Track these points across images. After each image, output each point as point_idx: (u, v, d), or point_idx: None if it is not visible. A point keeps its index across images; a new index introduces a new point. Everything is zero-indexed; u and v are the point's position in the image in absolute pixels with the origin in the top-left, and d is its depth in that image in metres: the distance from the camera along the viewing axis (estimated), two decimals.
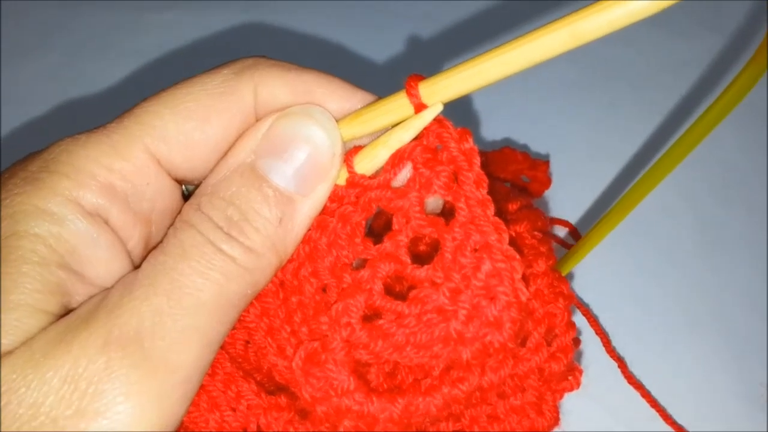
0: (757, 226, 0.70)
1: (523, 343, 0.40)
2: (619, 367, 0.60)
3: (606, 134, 0.76)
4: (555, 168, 0.70)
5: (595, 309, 0.65)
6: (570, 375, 0.41)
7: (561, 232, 0.69)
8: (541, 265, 0.41)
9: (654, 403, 0.59)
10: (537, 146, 0.75)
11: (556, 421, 0.41)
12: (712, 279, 0.67)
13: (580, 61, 0.81)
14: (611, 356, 0.61)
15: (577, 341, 0.47)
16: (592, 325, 0.61)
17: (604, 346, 0.61)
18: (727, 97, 0.34)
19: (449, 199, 0.35)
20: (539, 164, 0.67)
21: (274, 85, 0.36)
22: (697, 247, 0.69)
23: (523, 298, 0.34)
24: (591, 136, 0.76)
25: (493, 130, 0.76)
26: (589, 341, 0.61)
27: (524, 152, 0.67)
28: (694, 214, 0.71)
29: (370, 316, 0.36)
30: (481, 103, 0.78)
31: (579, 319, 0.62)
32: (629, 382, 0.60)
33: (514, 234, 0.43)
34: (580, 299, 0.65)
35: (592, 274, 0.66)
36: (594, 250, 0.64)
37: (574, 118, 0.78)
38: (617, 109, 0.79)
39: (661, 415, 0.58)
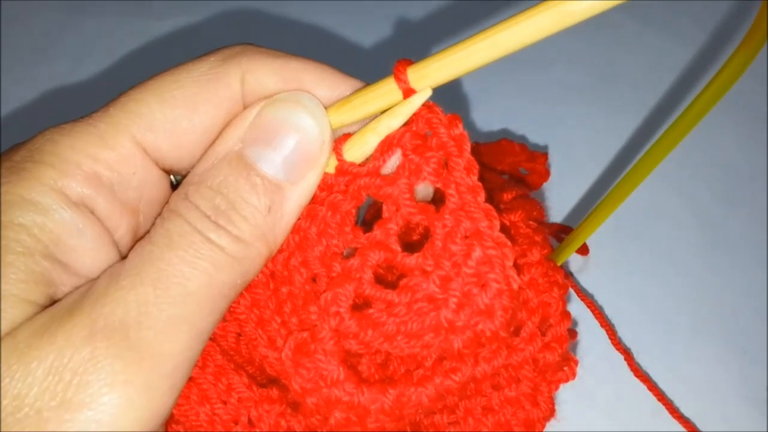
0: (758, 225, 0.69)
1: (516, 333, 0.39)
2: (625, 359, 0.60)
3: (599, 127, 0.76)
4: (551, 160, 0.69)
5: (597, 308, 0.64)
6: (565, 365, 0.41)
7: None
8: (535, 255, 0.41)
9: (660, 396, 0.58)
10: (534, 138, 0.74)
11: (551, 412, 0.41)
12: (713, 279, 0.66)
13: (574, 56, 0.81)
14: (617, 348, 0.60)
15: (573, 333, 0.46)
16: (597, 318, 0.61)
17: (610, 338, 0.60)
18: (719, 81, 0.34)
19: (439, 185, 0.35)
20: (537, 156, 0.67)
21: (262, 72, 0.36)
22: (699, 246, 0.68)
23: (515, 286, 0.33)
24: (584, 128, 0.76)
25: (487, 118, 0.76)
26: (586, 335, 0.60)
27: (522, 144, 0.66)
28: (696, 214, 0.70)
29: (360, 306, 0.35)
30: (473, 89, 0.78)
31: (579, 316, 0.61)
32: (636, 375, 0.59)
33: (508, 223, 0.42)
34: (585, 291, 0.64)
35: (595, 272, 0.65)
36: (597, 249, 0.64)
37: (568, 111, 0.77)
38: (610, 101, 0.78)
39: (667, 408, 0.57)
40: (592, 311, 0.62)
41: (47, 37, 0.85)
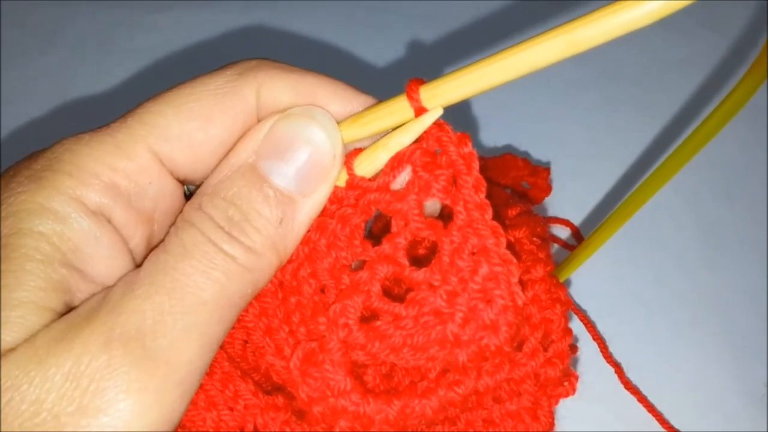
0: (757, 226, 0.70)
1: (519, 348, 0.40)
2: (615, 372, 0.60)
3: (606, 138, 0.76)
4: (555, 172, 0.70)
5: (593, 311, 0.64)
6: (566, 381, 0.41)
7: (562, 233, 0.69)
8: (539, 271, 0.42)
9: (651, 408, 0.59)
10: (538, 151, 0.75)
11: (551, 426, 0.42)
12: (712, 279, 0.67)
13: (582, 64, 0.81)
14: (608, 362, 0.61)
15: (573, 348, 0.47)
16: (589, 331, 0.61)
17: (601, 351, 0.61)
18: (727, 105, 0.35)
19: (448, 202, 0.35)
20: (540, 171, 0.68)
21: (277, 87, 0.37)
22: (697, 247, 0.69)
23: (520, 302, 0.34)
24: (591, 140, 0.76)
25: (494, 136, 0.76)
26: (586, 347, 0.61)
27: (525, 159, 0.67)
28: (694, 215, 0.71)
29: (368, 318, 0.36)
30: (482, 109, 0.78)
31: (577, 325, 0.62)
32: (626, 388, 0.60)
33: (512, 239, 0.43)
34: (577, 305, 0.65)
35: (590, 275, 0.65)
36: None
37: (575, 122, 0.78)
38: (619, 112, 0.79)
39: (658, 420, 0.58)
40: (585, 325, 0.63)
41: (46, 33, 0.86)
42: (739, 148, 0.75)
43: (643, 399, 0.58)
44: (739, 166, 0.74)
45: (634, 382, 0.60)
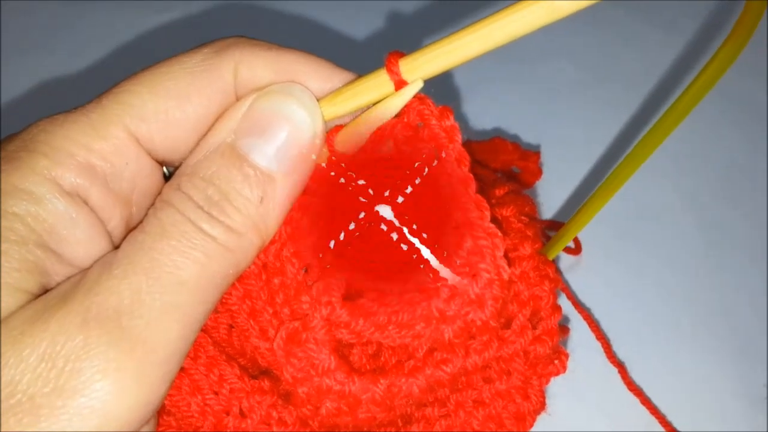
0: (757, 227, 0.69)
1: (507, 326, 0.39)
2: (619, 372, 0.59)
3: (592, 124, 0.75)
4: (543, 158, 0.70)
5: (596, 310, 0.64)
6: (556, 358, 0.41)
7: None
8: (527, 249, 0.41)
9: (654, 410, 0.58)
10: (526, 137, 0.74)
11: (542, 405, 0.41)
12: (712, 280, 0.66)
13: (566, 53, 0.81)
14: (611, 362, 0.60)
15: (564, 329, 0.46)
16: (592, 330, 0.60)
17: (605, 351, 0.60)
18: (707, 74, 0.34)
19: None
20: (530, 155, 0.67)
21: (255, 64, 0.36)
22: (698, 247, 0.68)
23: (505, 276, 0.33)
24: (576, 126, 0.75)
25: (482, 120, 0.76)
26: (583, 345, 0.60)
27: (515, 142, 0.67)
28: (695, 215, 0.70)
29: (352, 295, 0.35)
30: (467, 93, 0.78)
31: (577, 323, 0.61)
32: (629, 389, 0.59)
33: (500, 217, 0.43)
34: (581, 303, 0.64)
35: (589, 277, 0.65)
36: (594, 252, 0.64)
37: (560, 108, 0.77)
38: (603, 99, 0.78)
39: (660, 422, 0.57)
40: (589, 324, 0.61)
41: (44, 30, 0.85)
42: (739, 148, 0.74)
43: (646, 401, 0.57)
44: (739, 166, 0.74)
45: (634, 383, 0.59)
